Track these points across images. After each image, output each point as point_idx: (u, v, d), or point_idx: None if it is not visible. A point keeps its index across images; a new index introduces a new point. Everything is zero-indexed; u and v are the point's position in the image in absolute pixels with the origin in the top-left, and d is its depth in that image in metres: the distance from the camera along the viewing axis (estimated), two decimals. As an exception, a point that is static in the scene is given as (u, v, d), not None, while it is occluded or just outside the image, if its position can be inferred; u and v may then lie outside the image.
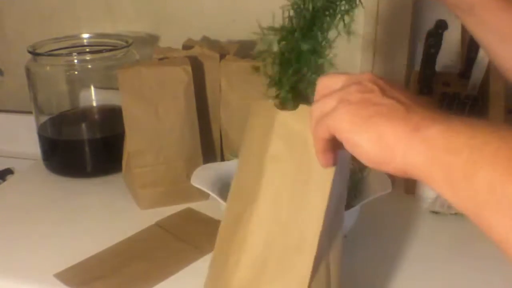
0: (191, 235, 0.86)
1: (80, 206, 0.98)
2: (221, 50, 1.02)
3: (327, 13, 0.57)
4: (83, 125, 1.16)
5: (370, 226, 0.86)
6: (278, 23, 0.59)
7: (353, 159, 0.44)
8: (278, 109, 0.55)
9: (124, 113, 0.92)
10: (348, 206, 0.71)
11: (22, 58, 1.08)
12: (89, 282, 0.75)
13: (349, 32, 0.57)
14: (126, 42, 1.08)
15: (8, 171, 1.17)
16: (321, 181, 0.51)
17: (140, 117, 0.92)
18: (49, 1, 1.23)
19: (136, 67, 0.93)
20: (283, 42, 0.59)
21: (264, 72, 0.60)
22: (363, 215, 0.79)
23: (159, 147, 0.93)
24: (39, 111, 1.11)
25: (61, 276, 0.77)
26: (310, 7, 0.57)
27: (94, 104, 1.15)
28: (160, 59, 0.97)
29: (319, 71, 0.58)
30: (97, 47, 1.10)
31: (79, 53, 1.10)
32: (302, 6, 0.57)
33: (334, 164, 0.50)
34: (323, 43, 0.58)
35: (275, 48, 0.60)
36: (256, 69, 0.61)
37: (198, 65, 0.98)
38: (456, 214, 0.88)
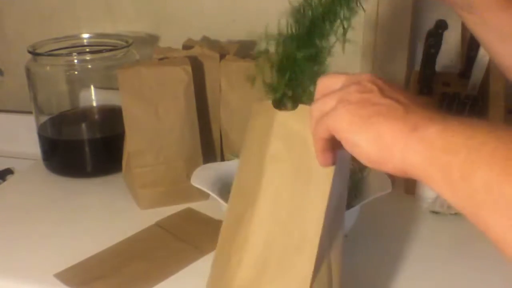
0: (191, 235, 0.86)
1: (80, 206, 0.98)
2: (221, 50, 1.02)
3: (326, 20, 0.57)
4: (83, 125, 1.16)
5: (370, 226, 0.86)
6: (280, 27, 0.59)
7: (353, 159, 0.44)
8: (277, 109, 0.55)
9: (124, 113, 0.92)
10: (348, 206, 0.71)
11: (22, 58, 1.08)
12: (89, 282, 0.75)
13: (347, 40, 0.57)
14: (126, 42, 1.08)
15: (8, 171, 1.17)
16: (321, 181, 0.51)
17: (140, 117, 0.92)
18: (49, 1, 1.23)
19: (136, 67, 0.93)
20: (280, 48, 0.59)
21: (261, 79, 0.60)
22: (363, 215, 0.79)
23: (159, 147, 0.93)
24: (39, 111, 1.11)
25: (61, 276, 0.77)
26: (310, 14, 0.57)
27: (94, 104, 1.15)
28: (160, 59, 0.97)
29: (315, 78, 0.58)
30: (97, 47, 1.10)
31: (79, 53, 1.10)
32: (302, 12, 0.57)
33: (334, 163, 0.50)
34: (322, 50, 0.58)
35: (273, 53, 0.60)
36: (252, 78, 0.61)
37: (198, 65, 0.98)
38: (456, 214, 0.88)
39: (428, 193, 0.90)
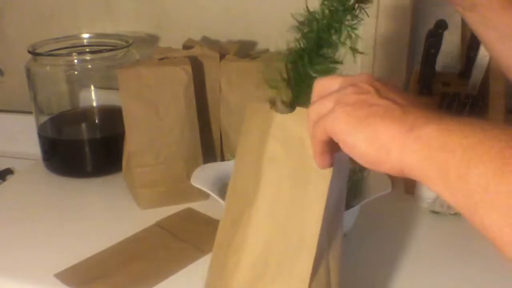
0: (191, 235, 0.86)
1: (80, 206, 0.98)
2: (221, 50, 1.02)
3: (332, 31, 0.57)
4: (83, 125, 1.16)
5: (370, 226, 0.86)
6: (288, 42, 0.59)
7: (352, 159, 0.44)
8: (276, 111, 0.55)
9: (124, 113, 0.92)
10: (348, 206, 0.71)
11: (22, 58, 1.08)
12: (89, 282, 0.75)
13: (356, 50, 0.57)
14: (126, 42, 1.09)
15: (8, 171, 1.18)
16: (318, 183, 0.51)
17: (140, 117, 0.92)
18: (49, 1, 1.24)
19: (136, 67, 0.93)
20: (292, 65, 0.59)
21: (279, 99, 0.59)
22: (363, 215, 0.79)
23: (159, 147, 0.93)
24: (39, 111, 1.11)
25: (61, 276, 0.77)
26: (315, 27, 0.57)
27: (94, 104, 1.15)
28: (160, 59, 0.97)
29: None
30: (97, 47, 1.10)
31: (79, 53, 1.10)
32: (307, 25, 0.57)
33: (332, 165, 0.50)
34: (332, 64, 0.58)
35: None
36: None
37: (198, 65, 0.98)
38: (455, 214, 0.88)
39: (427, 193, 0.90)
